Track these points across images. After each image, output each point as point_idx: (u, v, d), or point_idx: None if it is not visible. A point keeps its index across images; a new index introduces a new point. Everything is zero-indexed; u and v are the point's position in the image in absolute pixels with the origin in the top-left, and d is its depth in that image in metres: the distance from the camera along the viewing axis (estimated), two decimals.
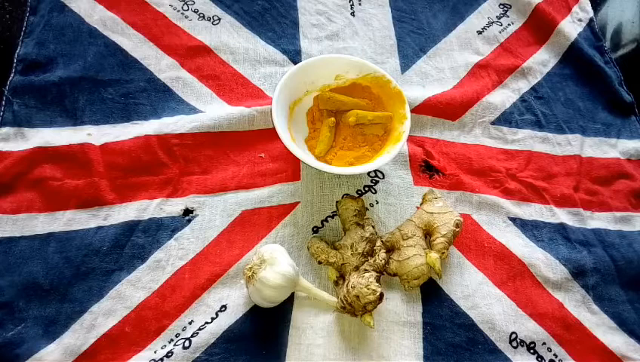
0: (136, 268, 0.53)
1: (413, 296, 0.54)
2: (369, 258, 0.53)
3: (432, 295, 0.55)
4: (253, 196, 0.59)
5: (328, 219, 0.58)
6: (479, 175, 0.64)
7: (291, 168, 0.61)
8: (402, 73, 0.71)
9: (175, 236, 0.55)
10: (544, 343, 0.54)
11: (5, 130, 0.58)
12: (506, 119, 0.69)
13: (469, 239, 0.59)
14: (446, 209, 0.56)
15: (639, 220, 0.63)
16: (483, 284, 0.56)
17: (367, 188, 0.61)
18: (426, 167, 0.63)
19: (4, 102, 0.60)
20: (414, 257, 0.53)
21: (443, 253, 0.53)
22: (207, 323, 0.51)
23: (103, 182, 0.56)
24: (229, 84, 0.66)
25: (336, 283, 0.53)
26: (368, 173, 0.62)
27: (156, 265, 0.53)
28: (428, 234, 0.56)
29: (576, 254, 0.59)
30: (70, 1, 0.68)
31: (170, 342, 0.50)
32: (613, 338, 0.55)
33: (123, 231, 0.55)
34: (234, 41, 0.69)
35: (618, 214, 0.63)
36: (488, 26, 0.77)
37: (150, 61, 0.66)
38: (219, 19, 0.71)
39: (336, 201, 0.57)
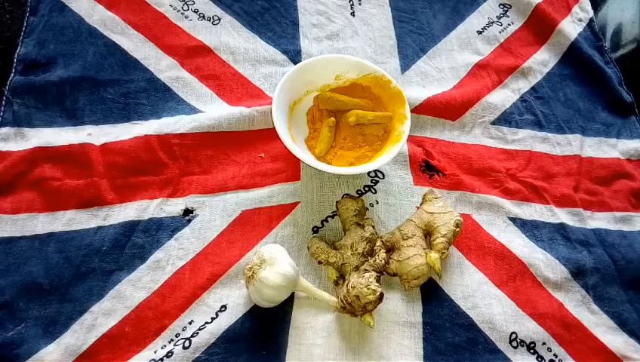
0: (136, 268, 0.53)
1: (413, 295, 0.54)
2: (369, 258, 0.53)
3: (432, 295, 0.55)
4: (253, 196, 0.59)
5: (328, 219, 0.58)
6: (479, 175, 0.64)
7: (291, 168, 0.61)
8: (402, 73, 0.71)
9: (175, 236, 0.55)
10: (544, 343, 0.54)
11: (5, 130, 0.58)
12: (506, 119, 0.69)
13: (469, 239, 0.59)
14: (446, 209, 0.56)
15: (639, 220, 0.63)
16: (483, 284, 0.56)
17: (367, 188, 0.61)
18: (426, 167, 0.63)
19: (4, 102, 0.60)
20: (414, 257, 0.53)
21: (443, 253, 0.53)
22: (207, 323, 0.51)
23: (103, 182, 0.56)
24: (229, 84, 0.66)
25: (336, 283, 0.53)
26: (368, 173, 0.62)
27: (156, 265, 0.53)
28: (428, 234, 0.56)
29: (576, 254, 0.59)
30: (70, 1, 0.68)
31: (170, 342, 0.50)
32: (613, 338, 0.55)
33: (123, 231, 0.55)
34: (234, 41, 0.69)
35: (618, 214, 0.63)
36: (488, 26, 0.77)
37: (150, 61, 0.66)
38: (219, 19, 0.71)
39: (337, 201, 0.57)
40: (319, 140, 0.59)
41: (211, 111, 0.63)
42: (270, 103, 0.56)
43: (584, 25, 0.78)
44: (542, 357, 0.53)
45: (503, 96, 0.70)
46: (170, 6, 0.71)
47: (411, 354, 0.51)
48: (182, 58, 0.67)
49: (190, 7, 0.71)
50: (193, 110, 0.63)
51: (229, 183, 0.59)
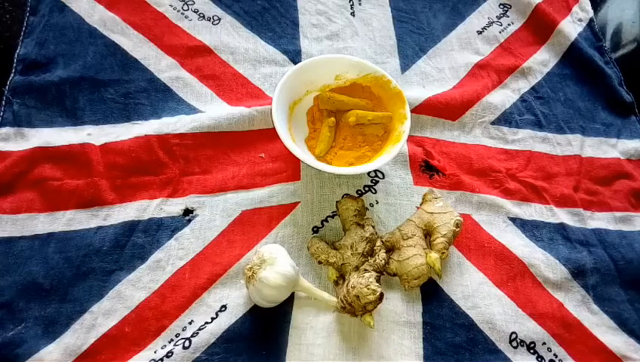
0: (136, 268, 0.53)
1: (413, 295, 0.54)
2: (369, 258, 0.53)
3: (432, 295, 0.55)
4: (253, 196, 0.59)
5: (328, 219, 0.58)
6: (479, 175, 0.64)
7: (291, 168, 0.61)
8: (402, 73, 0.71)
9: (175, 236, 0.55)
10: (544, 343, 0.54)
11: (5, 130, 0.58)
12: (506, 119, 0.69)
13: (469, 239, 0.59)
14: (446, 209, 0.56)
15: (639, 220, 0.63)
16: (483, 284, 0.56)
17: (367, 188, 0.61)
18: (426, 167, 0.63)
19: (4, 102, 0.60)
20: (414, 257, 0.53)
21: (443, 253, 0.53)
22: (207, 323, 0.51)
23: (103, 182, 0.56)
24: (229, 84, 0.66)
25: (336, 283, 0.53)
26: (368, 173, 0.62)
27: (156, 265, 0.53)
28: (428, 234, 0.56)
29: (576, 254, 0.59)
30: (70, 1, 0.68)
31: (170, 342, 0.50)
32: (614, 338, 0.55)
33: (123, 231, 0.55)
34: (234, 41, 0.69)
35: (618, 214, 0.63)
36: (488, 26, 0.77)
37: (150, 61, 0.66)
38: (219, 19, 0.71)
39: (336, 201, 0.57)
40: (319, 140, 0.59)
41: (211, 111, 0.63)
42: (270, 103, 0.56)
43: (584, 25, 0.78)
44: (542, 357, 0.53)
45: (503, 96, 0.70)
46: (170, 6, 0.71)
47: (411, 354, 0.51)
48: (182, 58, 0.67)
49: (190, 7, 0.71)
50: (193, 110, 0.63)
51: (229, 183, 0.59)
